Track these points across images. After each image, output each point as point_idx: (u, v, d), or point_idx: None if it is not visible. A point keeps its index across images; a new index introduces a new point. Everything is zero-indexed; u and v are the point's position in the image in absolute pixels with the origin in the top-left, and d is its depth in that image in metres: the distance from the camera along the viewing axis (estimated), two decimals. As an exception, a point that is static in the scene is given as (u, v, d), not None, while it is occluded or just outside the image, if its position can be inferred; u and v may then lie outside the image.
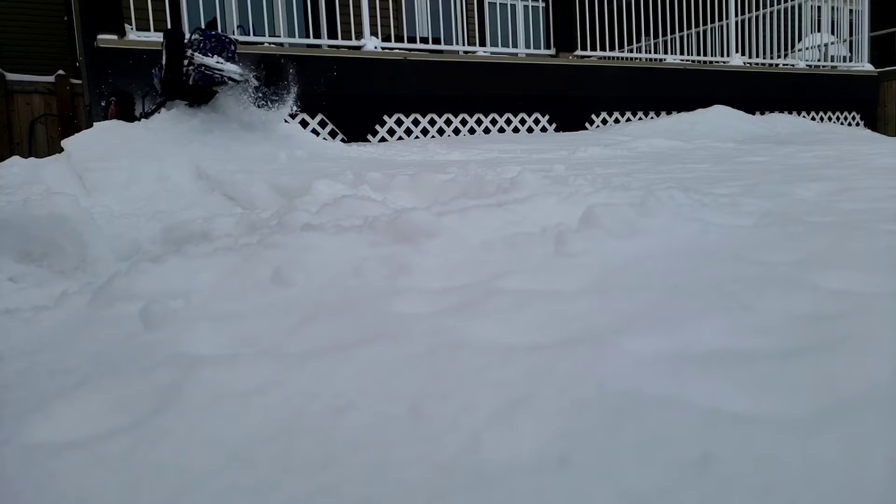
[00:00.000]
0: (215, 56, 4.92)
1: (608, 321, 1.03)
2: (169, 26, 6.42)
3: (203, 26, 5.85)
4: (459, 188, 2.72)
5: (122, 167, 4.28)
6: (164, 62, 4.86)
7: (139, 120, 5.36)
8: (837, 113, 10.22)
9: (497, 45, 8.45)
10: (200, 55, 4.83)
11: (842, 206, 1.97)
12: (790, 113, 9.60)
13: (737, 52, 9.47)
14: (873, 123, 10.45)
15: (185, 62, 4.79)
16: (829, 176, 2.85)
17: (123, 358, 1.09)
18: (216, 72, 4.90)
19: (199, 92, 5.08)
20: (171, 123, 5.23)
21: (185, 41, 4.95)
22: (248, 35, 7.25)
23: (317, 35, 7.37)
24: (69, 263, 2.33)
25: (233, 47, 5.01)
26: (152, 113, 5.34)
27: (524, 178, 2.41)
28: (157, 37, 6.24)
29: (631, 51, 9.65)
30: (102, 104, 5.73)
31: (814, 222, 1.67)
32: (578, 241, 1.48)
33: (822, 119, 10.02)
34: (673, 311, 1.05)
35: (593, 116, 8.55)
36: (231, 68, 4.99)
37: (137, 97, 5.68)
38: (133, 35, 6.13)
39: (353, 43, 7.18)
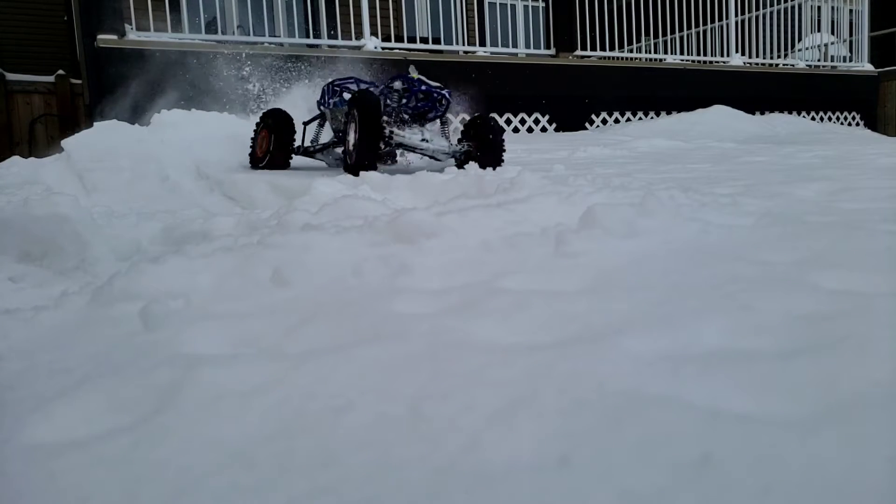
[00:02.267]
0: (421, 130, 3.82)
1: (608, 321, 1.03)
2: (169, 27, 6.41)
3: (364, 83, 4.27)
4: (459, 188, 2.72)
5: (122, 167, 4.28)
6: (356, 122, 3.57)
7: (295, 153, 4.39)
8: (837, 113, 10.22)
9: (497, 46, 8.45)
10: (400, 131, 3.74)
11: (842, 206, 1.97)
12: (790, 113, 9.60)
13: (737, 52, 9.47)
14: (873, 123, 10.45)
15: (383, 139, 3.64)
16: (829, 176, 2.85)
17: (123, 358, 1.09)
18: (416, 150, 3.82)
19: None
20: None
21: (385, 102, 3.79)
22: (248, 35, 7.25)
23: (317, 35, 7.37)
24: (69, 263, 2.33)
25: (445, 102, 3.84)
26: (315, 152, 4.32)
27: (524, 178, 2.41)
28: (157, 37, 6.24)
29: (631, 51, 9.65)
30: (254, 128, 4.45)
31: (814, 222, 1.67)
32: (578, 241, 1.48)
33: (822, 119, 10.02)
34: (673, 311, 1.05)
35: (593, 116, 8.55)
36: (440, 146, 3.85)
37: (299, 123, 4.46)
38: (133, 35, 6.13)
39: (353, 43, 7.18)
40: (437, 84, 3.85)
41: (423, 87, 3.78)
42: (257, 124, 4.45)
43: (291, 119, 4.36)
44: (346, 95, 4.18)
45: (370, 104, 3.55)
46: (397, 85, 3.85)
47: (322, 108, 4.37)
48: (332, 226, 1.79)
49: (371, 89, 4.00)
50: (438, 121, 3.97)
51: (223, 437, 0.80)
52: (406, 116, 3.82)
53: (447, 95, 3.82)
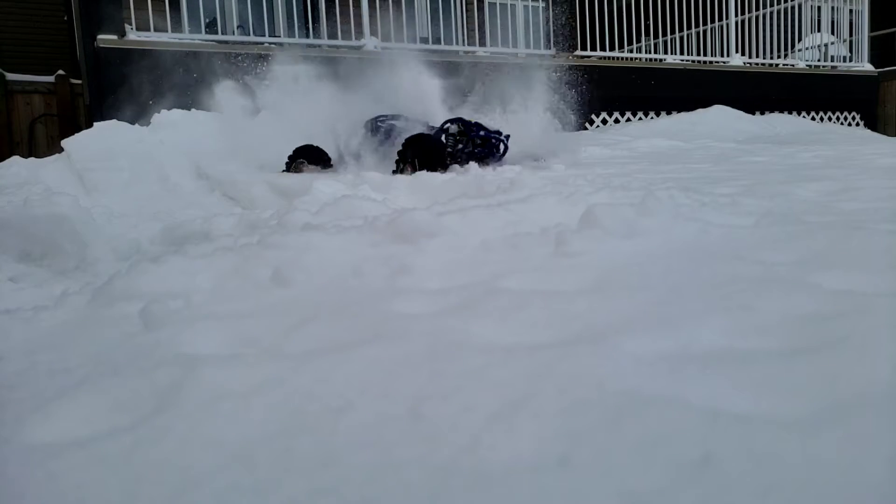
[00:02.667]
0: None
1: (608, 321, 1.03)
2: (169, 27, 6.41)
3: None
4: (459, 188, 2.72)
5: (122, 167, 4.29)
6: (414, 166, 3.44)
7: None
8: (837, 113, 10.21)
9: (497, 45, 8.44)
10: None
11: (842, 206, 1.97)
12: (790, 113, 9.59)
13: (737, 52, 9.47)
14: (873, 123, 10.45)
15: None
16: (829, 176, 2.85)
17: (123, 358, 1.09)
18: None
19: None
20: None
21: (449, 144, 3.66)
22: (248, 35, 7.25)
23: (317, 35, 7.37)
24: (69, 263, 2.33)
25: (503, 148, 3.79)
26: None
27: (524, 178, 2.41)
28: (157, 37, 6.24)
29: (631, 51, 9.64)
30: (286, 162, 4.17)
31: (814, 222, 1.67)
32: (578, 241, 1.48)
33: (822, 119, 10.02)
34: (673, 311, 1.05)
35: (593, 116, 8.55)
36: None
37: (338, 152, 4.15)
38: (133, 35, 6.13)
39: (353, 43, 7.18)
40: (496, 129, 3.72)
41: (482, 133, 3.64)
42: (287, 163, 4.20)
43: (327, 155, 4.14)
44: (397, 137, 3.94)
45: (435, 149, 3.37)
46: (453, 128, 3.72)
47: (369, 132, 4.15)
48: (333, 226, 1.80)
49: (424, 131, 3.80)
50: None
51: (223, 437, 0.80)
52: (459, 162, 3.68)
53: (505, 141, 3.69)
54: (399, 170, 3.57)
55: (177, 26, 6.45)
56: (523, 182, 2.35)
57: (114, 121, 5.22)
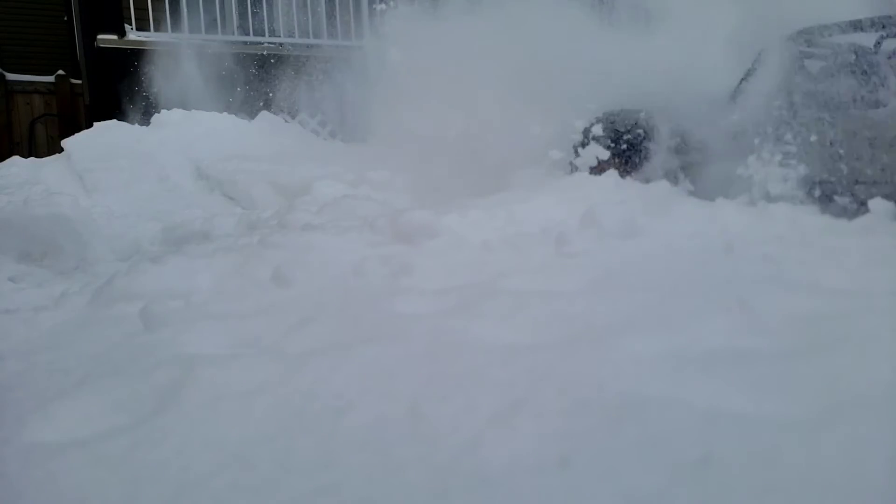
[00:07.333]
0: None
1: (608, 321, 1.03)
2: (169, 27, 6.40)
3: None
4: (459, 187, 2.72)
5: (122, 167, 4.28)
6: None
7: None
8: (837, 113, 10.21)
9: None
10: None
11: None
12: (790, 113, 9.58)
13: (737, 51, 9.46)
14: (873, 123, 10.44)
15: None
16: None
17: (123, 358, 1.09)
18: None
19: None
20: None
21: None
22: (248, 35, 7.24)
23: (317, 35, 7.36)
24: (69, 263, 2.33)
25: None
26: None
27: (524, 177, 2.40)
28: (157, 37, 6.23)
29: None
30: None
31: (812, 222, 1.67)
32: (579, 241, 1.47)
33: (822, 119, 10.02)
34: (673, 311, 1.05)
35: (593, 116, 8.51)
36: None
37: None
38: (133, 35, 6.12)
39: (354, 43, 7.16)
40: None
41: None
42: None
43: None
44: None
45: None
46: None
47: None
48: (333, 226, 1.80)
49: None
50: None
51: (223, 437, 0.80)
52: None
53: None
54: None
55: (177, 26, 6.44)
56: (523, 182, 2.35)
57: (114, 121, 5.21)
